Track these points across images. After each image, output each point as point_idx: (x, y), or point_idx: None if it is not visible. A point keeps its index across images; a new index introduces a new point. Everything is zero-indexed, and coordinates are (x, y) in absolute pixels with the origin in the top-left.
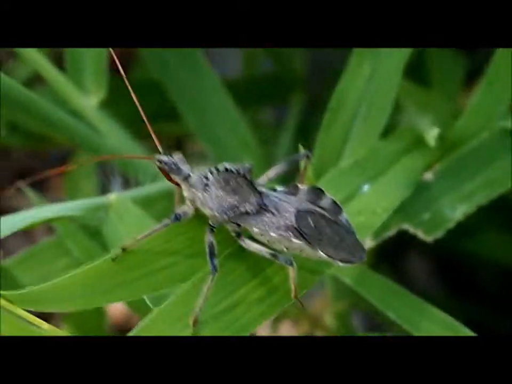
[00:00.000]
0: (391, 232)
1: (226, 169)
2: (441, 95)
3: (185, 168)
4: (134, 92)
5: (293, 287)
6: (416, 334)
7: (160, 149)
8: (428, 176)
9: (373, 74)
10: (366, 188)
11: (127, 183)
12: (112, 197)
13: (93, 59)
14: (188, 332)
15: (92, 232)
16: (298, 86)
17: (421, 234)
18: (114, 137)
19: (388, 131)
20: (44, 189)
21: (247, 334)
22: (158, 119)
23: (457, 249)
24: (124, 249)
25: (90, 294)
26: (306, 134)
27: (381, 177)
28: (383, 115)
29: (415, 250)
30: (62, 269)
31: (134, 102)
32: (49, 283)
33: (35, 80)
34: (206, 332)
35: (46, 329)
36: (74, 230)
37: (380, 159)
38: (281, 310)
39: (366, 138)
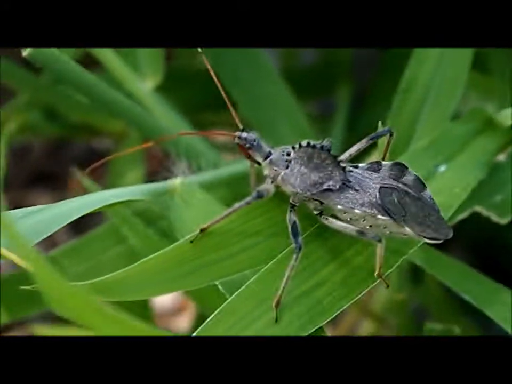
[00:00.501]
0: (464, 215)
1: (309, 145)
2: (502, 81)
3: (265, 145)
4: (189, 82)
5: (378, 264)
6: (491, 316)
7: (240, 126)
8: (501, 157)
9: (441, 57)
10: (442, 168)
11: (189, 169)
12: (177, 181)
13: None
14: (269, 315)
15: (148, 219)
16: (344, 78)
17: (494, 217)
18: (170, 122)
19: (453, 117)
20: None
21: (329, 317)
22: (212, 109)
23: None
24: (202, 231)
25: (170, 279)
26: (356, 126)
27: (456, 158)
28: (454, 98)
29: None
30: (112, 259)
31: (188, 89)
32: (125, 270)
33: (87, 63)
34: (288, 315)
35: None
36: (130, 217)
37: (453, 140)
38: (365, 291)
39: (435, 121)
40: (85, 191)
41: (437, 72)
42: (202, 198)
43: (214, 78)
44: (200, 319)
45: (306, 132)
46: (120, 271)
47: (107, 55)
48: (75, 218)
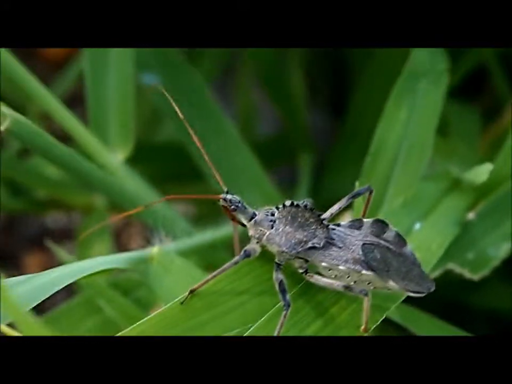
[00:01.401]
0: (439, 272)
1: (293, 205)
2: (462, 143)
3: (249, 207)
4: (158, 154)
5: (365, 318)
6: None
7: (225, 188)
8: (471, 215)
9: (409, 118)
10: (417, 226)
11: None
12: (155, 249)
13: (118, 113)
14: None
15: (124, 290)
16: (304, 145)
17: (467, 274)
18: (140, 193)
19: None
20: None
21: None
22: (179, 180)
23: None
24: (191, 292)
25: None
26: (320, 191)
27: (430, 216)
28: (423, 158)
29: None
30: (90, 329)
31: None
32: (120, 334)
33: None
34: None
35: None
36: (106, 288)
37: (425, 199)
38: None
39: (406, 181)
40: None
41: (405, 134)
42: (181, 264)
43: (197, 143)
44: None
45: (275, 198)
46: (116, 335)
47: (78, 129)
48: (59, 288)
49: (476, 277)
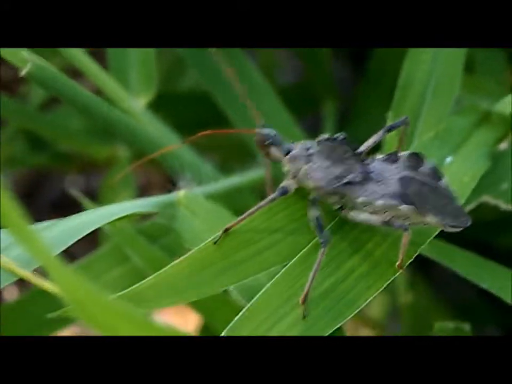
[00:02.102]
0: (473, 205)
1: (329, 139)
2: (488, 79)
3: (285, 142)
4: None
5: (402, 254)
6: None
7: (261, 122)
8: (503, 146)
9: (436, 50)
10: (449, 159)
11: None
12: (182, 193)
13: (139, 58)
14: (297, 312)
15: (151, 237)
16: (328, 94)
17: (502, 205)
18: (164, 139)
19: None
20: None
21: (356, 310)
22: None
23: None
24: (225, 231)
25: (199, 282)
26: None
27: (461, 149)
28: (451, 93)
29: None
30: (117, 279)
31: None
32: (151, 278)
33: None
34: (315, 310)
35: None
36: (133, 235)
37: (456, 133)
38: (388, 282)
39: (436, 115)
40: None
41: (433, 69)
42: (208, 207)
43: (231, 75)
44: (205, 332)
45: None
46: (148, 278)
47: (99, 74)
48: (90, 231)
49: (511, 207)
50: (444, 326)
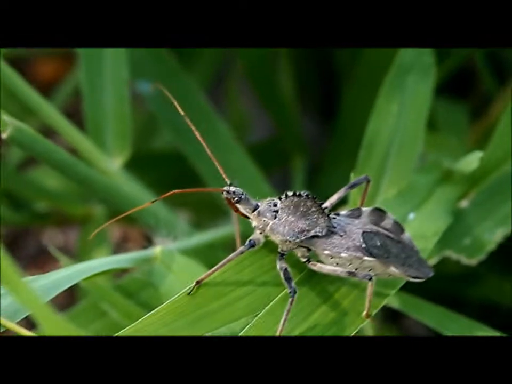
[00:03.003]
0: (436, 259)
1: (295, 194)
2: (451, 137)
3: (252, 199)
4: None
5: (368, 303)
6: None
7: (228, 181)
8: (464, 203)
9: (400, 111)
10: (411, 216)
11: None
12: (158, 249)
13: (115, 119)
14: None
15: (127, 293)
16: (297, 150)
17: (464, 260)
18: (140, 197)
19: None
20: None
21: None
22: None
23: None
24: (198, 283)
25: (173, 332)
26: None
27: (423, 206)
28: (415, 150)
29: None
30: (97, 333)
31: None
32: (129, 328)
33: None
34: None
35: None
36: (109, 291)
37: (418, 190)
38: (354, 331)
39: (399, 173)
40: None
41: (397, 127)
42: (183, 262)
43: (198, 136)
44: None
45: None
46: (125, 329)
47: (76, 136)
48: (68, 286)
49: (473, 261)
50: None
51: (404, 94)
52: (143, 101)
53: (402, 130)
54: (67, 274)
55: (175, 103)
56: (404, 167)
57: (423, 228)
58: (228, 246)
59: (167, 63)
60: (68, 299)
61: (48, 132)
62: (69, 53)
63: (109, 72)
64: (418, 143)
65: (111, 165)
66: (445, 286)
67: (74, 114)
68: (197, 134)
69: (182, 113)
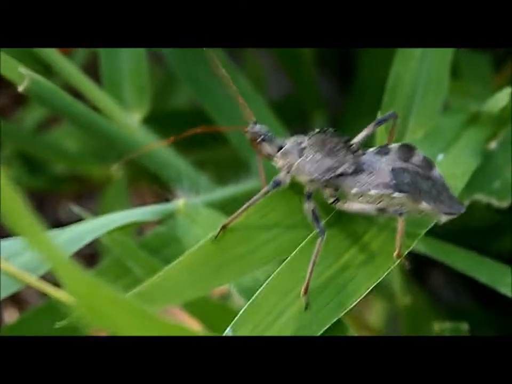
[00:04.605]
0: (466, 202)
1: (321, 131)
2: (475, 83)
3: (277, 138)
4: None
5: (399, 242)
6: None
7: (253, 119)
8: (492, 145)
9: (424, 53)
10: (440, 157)
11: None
12: (181, 201)
13: (132, 74)
14: (298, 304)
15: (151, 250)
16: (317, 106)
17: (494, 202)
18: (161, 153)
19: None
20: None
21: (356, 301)
22: (201, 142)
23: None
24: (223, 228)
25: (199, 280)
26: None
27: (451, 147)
28: (441, 92)
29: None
30: (120, 292)
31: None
32: (155, 277)
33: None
34: (317, 301)
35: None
36: (133, 248)
37: (446, 132)
38: (386, 272)
39: (425, 116)
40: None
41: (421, 71)
42: (207, 214)
43: (225, 76)
44: None
45: None
46: (152, 278)
47: (94, 91)
48: (92, 239)
49: (503, 204)
50: (443, 327)
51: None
52: (161, 59)
53: (426, 74)
54: (90, 227)
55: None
56: (429, 110)
57: (452, 168)
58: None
59: None
60: (90, 260)
61: (66, 90)
62: None
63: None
64: (443, 86)
65: (131, 120)
66: (472, 238)
67: (90, 69)
68: (224, 72)
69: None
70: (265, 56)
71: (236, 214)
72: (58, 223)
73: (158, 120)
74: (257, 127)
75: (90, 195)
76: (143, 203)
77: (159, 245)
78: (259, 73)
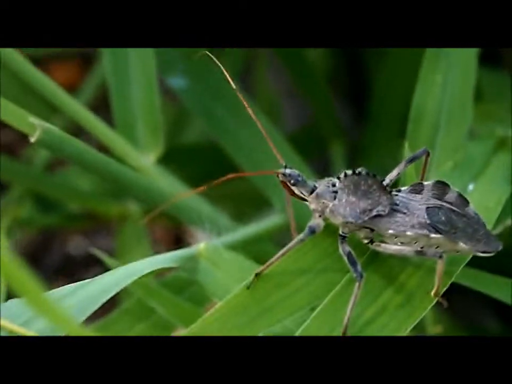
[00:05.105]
0: (499, 229)
1: (354, 173)
2: (497, 106)
3: (308, 180)
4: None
5: (438, 282)
6: None
7: (283, 162)
8: None
9: (446, 80)
10: (471, 187)
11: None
12: (202, 245)
13: (145, 113)
14: None
15: (174, 290)
16: (336, 134)
17: None
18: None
19: None
20: None
21: None
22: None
23: None
24: (257, 275)
25: (233, 330)
26: None
27: (482, 175)
28: (466, 119)
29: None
30: (142, 334)
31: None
32: (191, 328)
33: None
34: None
35: None
36: (156, 288)
37: (475, 160)
38: (425, 312)
39: (451, 144)
40: None
41: (443, 97)
42: (229, 258)
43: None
44: None
45: None
46: (186, 330)
47: (106, 133)
48: (116, 291)
49: None
50: None
51: (448, 62)
52: (171, 95)
53: (449, 100)
54: (112, 279)
55: (227, 75)
56: (455, 138)
57: (484, 198)
58: (274, 237)
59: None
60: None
61: (75, 128)
62: (84, 56)
63: (135, 65)
64: (467, 112)
65: (145, 161)
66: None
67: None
68: (249, 110)
69: (234, 86)
70: (277, 82)
71: (269, 261)
72: (67, 259)
73: (171, 157)
74: (288, 171)
75: (98, 229)
76: (155, 238)
77: (180, 287)
78: (273, 105)
